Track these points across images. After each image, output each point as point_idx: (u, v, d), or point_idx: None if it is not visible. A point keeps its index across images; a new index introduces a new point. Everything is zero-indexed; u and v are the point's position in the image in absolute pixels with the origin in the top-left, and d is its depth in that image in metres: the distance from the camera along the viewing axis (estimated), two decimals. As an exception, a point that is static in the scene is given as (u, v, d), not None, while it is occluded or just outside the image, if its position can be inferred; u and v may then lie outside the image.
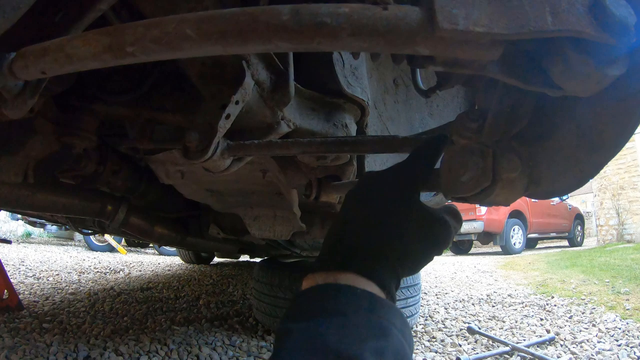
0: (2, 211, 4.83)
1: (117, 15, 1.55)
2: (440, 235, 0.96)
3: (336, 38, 0.70)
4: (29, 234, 18.46)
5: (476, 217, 17.41)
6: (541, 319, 5.36)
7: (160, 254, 13.72)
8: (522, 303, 6.39)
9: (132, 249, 14.70)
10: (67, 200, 2.69)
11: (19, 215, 15.08)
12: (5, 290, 4.61)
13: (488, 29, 0.67)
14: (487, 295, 7.03)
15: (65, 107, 2.12)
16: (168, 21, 0.74)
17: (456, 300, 6.52)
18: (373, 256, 0.85)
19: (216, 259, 10.27)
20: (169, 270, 8.90)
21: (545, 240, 22.69)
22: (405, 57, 1.17)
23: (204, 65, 1.53)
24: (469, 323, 4.93)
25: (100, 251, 13.82)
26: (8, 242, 5.14)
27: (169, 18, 0.75)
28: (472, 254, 19.14)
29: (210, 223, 3.66)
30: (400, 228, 0.91)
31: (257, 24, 0.70)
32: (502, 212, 17.41)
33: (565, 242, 21.93)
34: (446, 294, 7.16)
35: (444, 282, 8.53)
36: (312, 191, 2.08)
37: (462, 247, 19.96)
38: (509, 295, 7.06)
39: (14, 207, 2.63)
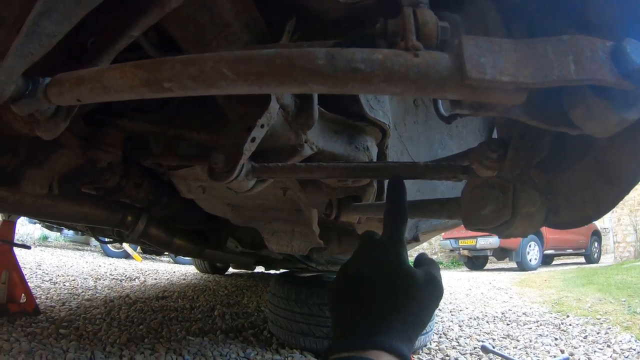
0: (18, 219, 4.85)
1: (147, 39, 1.59)
2: (437, 294, 1.02)
3: (369, 83, 0.71)
4: (45, 238, 18.49)
5: (492, 233, 17.21)
6: (556, 339, 5.33)
7: (176, 262, 13.66)
8: (537, 322, 6.34)
9: (147, 256, 14.68)
10: (88, 210, 2.73)
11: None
12: (23, 294, 4.65)
13: (514, 78, 0.69)
14: (502, 313, 6.99)
15: (90, 121, 2.15)
16: (205, 59, 0.76)
17: (470, 318, 6.49)
18: (389, 332, 0.90)
19: (231, 270, 10.26)
20: (184, 279, 8.93)
21: (561, 257, 22.42)
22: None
23: (231, 88, 1.56)
24: (483, 341, 4.90)
25: (116, 257, 13.80)
26: (27, 247, 5.14)
27: (206, 56, 0.77)
28: (487, 270, 18.95)
29: (229, 236, 3.69)
30: (407, 301, 0.95)
31: (293, 68, 0.72)
32: (519, 227, 17.21)
33: (582, 259, 21.57)
34: (460, 311, 7.13)
35: (458, 299, 8.49)
36: (332, 211, 2.11)
37: (477, 263, 19.74)
38: (523, 314, 7.00)
39: (37, 216, 2.67)
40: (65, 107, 1.19)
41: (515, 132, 1.07)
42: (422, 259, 1.13)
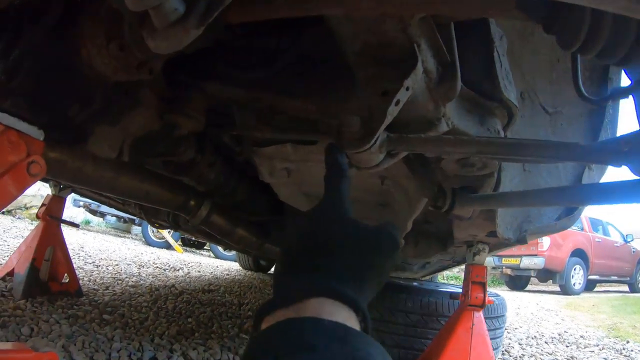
0: (67, 196, 4.66)
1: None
2: (388, 243, 0.90)
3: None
4: (88, 222, 18.77)
5: (537, 253, 16.95)
6: (622, 364, 5.29)
7: (216, 256, 13.67)
8: (598, 345, 6.28)
9: (188, 248, 14.70)
10: (150, 188, 2.49)
11: (82, 203, 15.29)
12: (66, 274, 4.46)
13: None
14: (559, 335, 6.92)
15: (172, 82, 1.90)
16: None
17: (528, 337, 6.39)
18: (328, 277, 0.78)
19: (273, 269, 10.14)
20: (227, 274, 8.83)
21: (603, 284, 22.02)
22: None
23: (366, 43, 1.30)
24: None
25: (157, 247, 13.83)
26: (76, 225, 4.99)
27: None
28: (529, 291, 18.64)
29: None
30: (348, 247, 0.85)
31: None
32: (565, 249, 16.96)
33: (625, 287, 21.18)
34: (515, 329, 7.01)
35: (509, 317, 8.30)
36: (445, 202, 1.90)
37: (519, 283, 19.37)
38: (581, 337, 6.96)
39: (96, 187, 2.45)
40: (202, 6, 0.90)
41: None
42: (382, 223, 0.97)
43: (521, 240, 2.61)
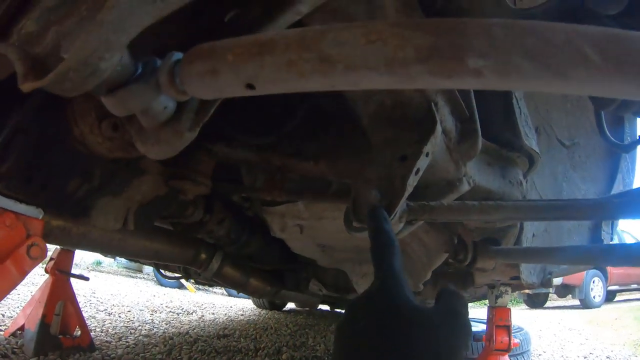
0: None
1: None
2: (461, 332, 0.82)
3: None
4: (99, 263, 18.68)
5: (555, 269, 16.76)
6: (655, 385, 5.18)
7: (230, 295, 13.55)
8: None
9: (200, 287, 14.60)
10: (159, 247, 2.42)
11: (91, 245, 15.19)
12: (77, 327, 4.35)
13: None
14: (584, 357, 6.79)
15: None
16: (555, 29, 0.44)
17: None
18: None
19: (288, 306, 10.04)
20: (242, 315, 8.70)
21: (623, 293, 21.78)
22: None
23: (381, 105, 1.22)
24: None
25: (170, 287, 13.73)
26: (85, 279, 4.88)
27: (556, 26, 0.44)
28: (548, 308, 18.44)
29: (311, 278, 3.39)
30: (420, 349, 0.76)
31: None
32: (582, 263, 16.77)
33: (643, 294, 20.96)
34: (539, 355, 6.84)
35: (532, 342, 8.18)
36: (466, 256, 1.83)
37: (537, 301, 19.14)
38: (607, 358, 6.83)
39: (104, 251, 2.37)
40: (194, 104, 0.82)
41: None
42: (443, 292, 0.92)
43: (546, 284, 2.55)
